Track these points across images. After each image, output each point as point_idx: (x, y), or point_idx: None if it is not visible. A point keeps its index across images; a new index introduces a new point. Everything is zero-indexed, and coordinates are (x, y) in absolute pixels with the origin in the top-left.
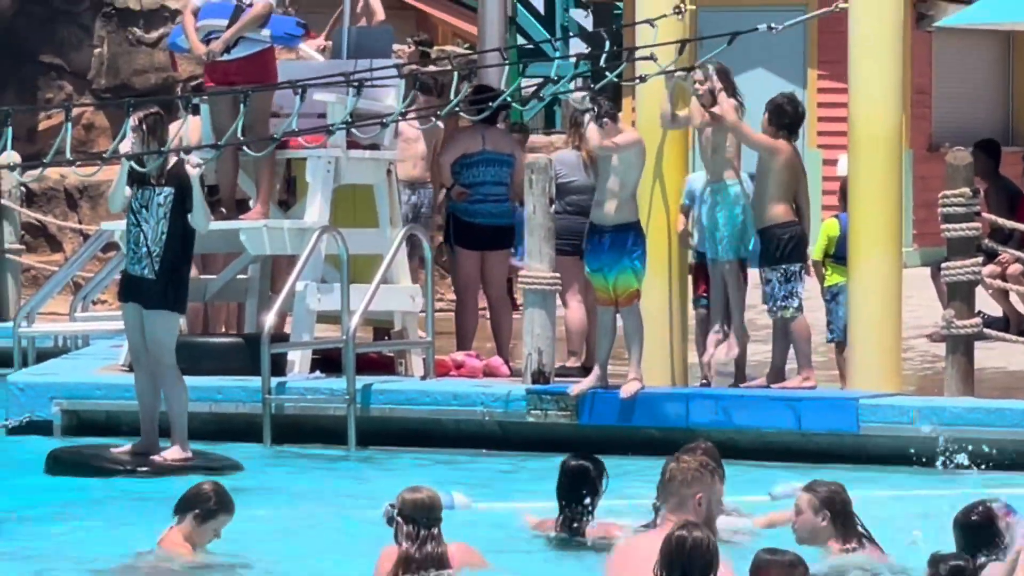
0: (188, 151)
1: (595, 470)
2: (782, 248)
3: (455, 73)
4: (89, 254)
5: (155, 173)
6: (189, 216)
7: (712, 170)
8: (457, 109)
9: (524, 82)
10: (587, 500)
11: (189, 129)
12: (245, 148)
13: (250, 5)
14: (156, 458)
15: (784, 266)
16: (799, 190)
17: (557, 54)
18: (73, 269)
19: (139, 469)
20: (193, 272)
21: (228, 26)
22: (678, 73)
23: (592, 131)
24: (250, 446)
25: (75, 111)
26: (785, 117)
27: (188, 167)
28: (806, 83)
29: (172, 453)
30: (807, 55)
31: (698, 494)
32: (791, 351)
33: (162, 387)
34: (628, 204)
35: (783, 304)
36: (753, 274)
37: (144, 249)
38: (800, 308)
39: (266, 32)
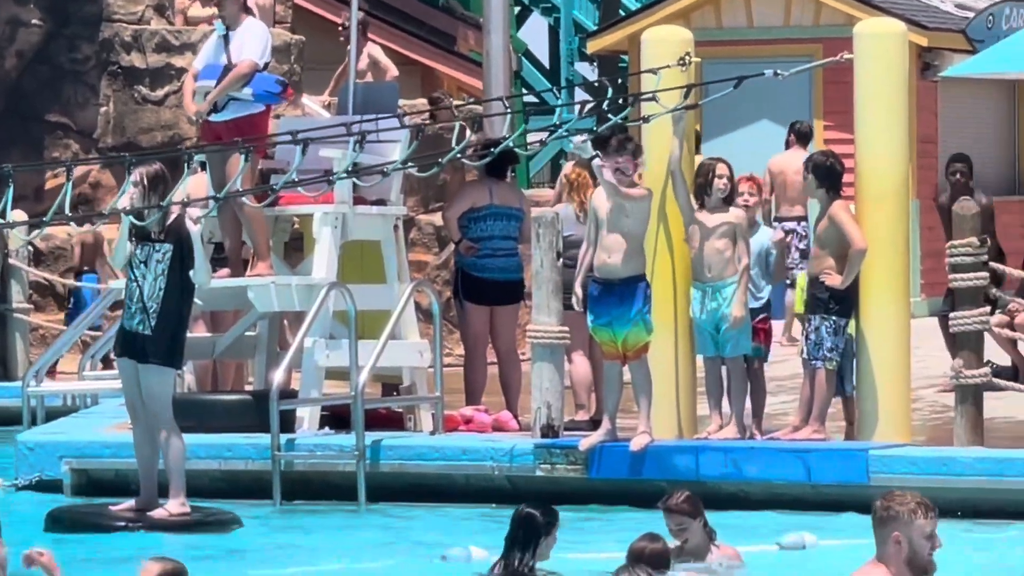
0: (186, 205)
1: (544, 520)
2: (835, 300)
3: (457, 123)
4: (97, 312)
5: (156, 229)
6: (191, 272)
7: (708, 266)
8: (459, 157)
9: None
10: (530, 550)
11: (193, 185)
12: (235, 206)
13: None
14: (154, 513)
15: (835, 318)
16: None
17: (561, 102)
18: (81, 328)
19: (137, 525)
20: (202, 330)
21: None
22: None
23: (609, 180)
24: (260, 503)
25: (81, 169)
26: (826, 173)
27: (188, 221)
28: (812, 133)
29: (170, 507)
30: (813, 106)
31: (895, 532)
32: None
33: (159, 442)
34: (638, 255)
35: (829, 356)
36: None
37: (140, 304)
38: (838, 363)
39: (248, 91)
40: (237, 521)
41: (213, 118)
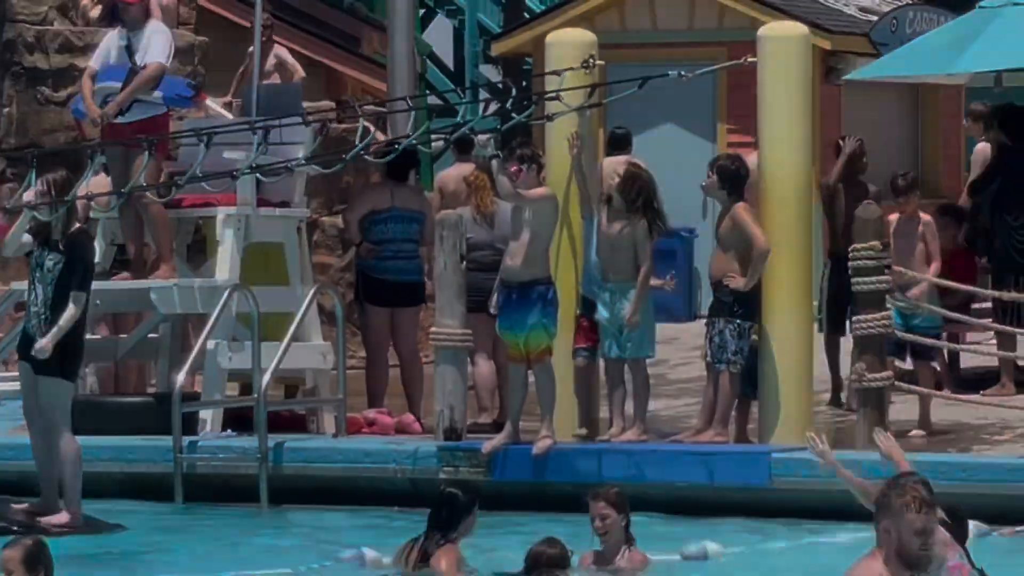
0: (90, 199)
1: (466, 499)
2: (739, 303)
3: (361, 121)
4: None
5: (57, 234)
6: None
7: (613, 268)
8: (362, 154)
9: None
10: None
11: (94, 188)
12: (140, 207)
13: (144, 67)
14: (41, 521)
15: (739, 321)
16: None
17: (464, 100)
18: None
19: (20, 530)
20: (104, 332)
21: (122, 88)
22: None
23: (503, 181)
24: (162, 505)
25: None
26: (728, 175)
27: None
28: (716, 137)
29: (59, 519)
30: (716, 110)
31: (884, 522)
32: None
33: (54, 452)
34: (540, 259)
35: (732, 359)
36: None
37: (34, 309)
38: (741, 367)
39: (158, 94)
40: (123, 529)
41: (117, 120)
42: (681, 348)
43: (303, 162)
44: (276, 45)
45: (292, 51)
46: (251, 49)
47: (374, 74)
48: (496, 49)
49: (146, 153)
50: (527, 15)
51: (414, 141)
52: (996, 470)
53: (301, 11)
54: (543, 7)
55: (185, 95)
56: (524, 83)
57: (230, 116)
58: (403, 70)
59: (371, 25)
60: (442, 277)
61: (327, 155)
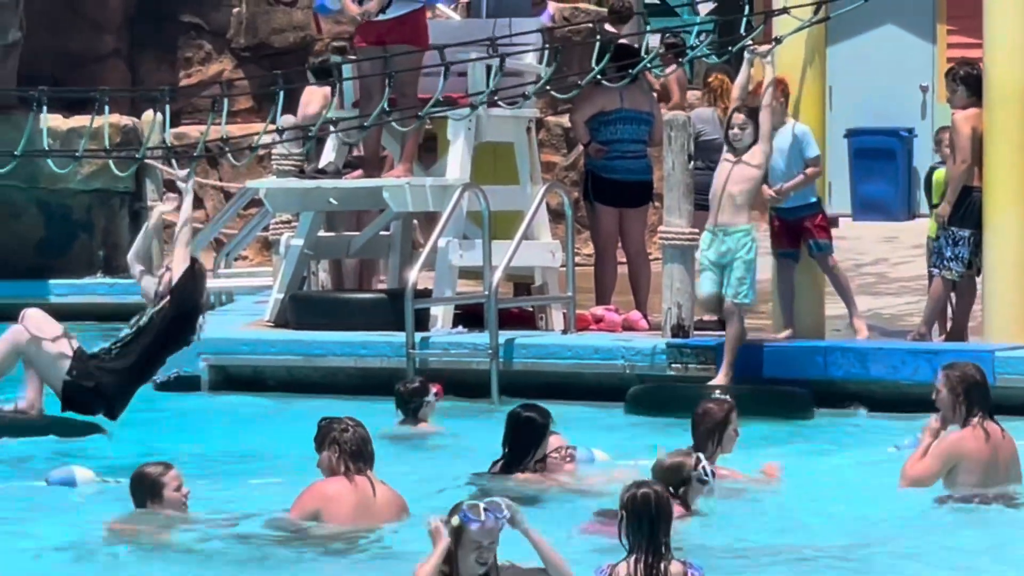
0: (334, 123)
1: (542, 421)
2: (957, 212)
3: (597, 38)
4: (232, 212)
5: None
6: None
7: (723, 212)
8: (599, 77)
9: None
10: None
11: (308, 97)
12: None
13: None
14: None
15: (954, 228)
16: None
17: (691, 16)
18: (217, 227)
19: None
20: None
21: None
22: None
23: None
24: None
25: (215, 68)
26: (976, 83)
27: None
28: (935, 38)
29: None
30: (936, 10)
31: None
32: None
33: None
34: None
35: (946, 265)
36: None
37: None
38: (960, 275)
39: None
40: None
41: (376, 17)
42: (900, 247)
43: (541, 88)
44: None
45: None
46: None
47: None
48: None
49: (388, 84)
50: None
51: (647, 65)
52: None
53: None
54: None
55: None
56: None
57: (457, 17)
58: None
59: None
60: (670, 177)
61: (564, 75)
